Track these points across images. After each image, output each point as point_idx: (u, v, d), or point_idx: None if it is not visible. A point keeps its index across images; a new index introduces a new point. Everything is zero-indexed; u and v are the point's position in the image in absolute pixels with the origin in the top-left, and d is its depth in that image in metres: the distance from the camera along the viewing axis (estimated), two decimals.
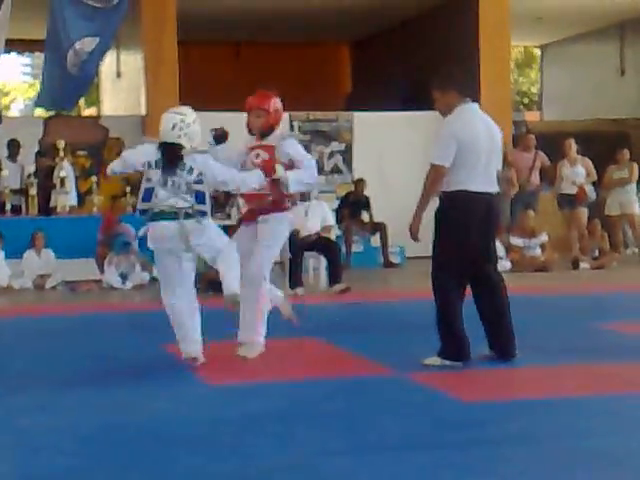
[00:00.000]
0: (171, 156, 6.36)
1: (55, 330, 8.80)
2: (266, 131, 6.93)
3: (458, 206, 6.36)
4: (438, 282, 6.46)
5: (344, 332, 7.82)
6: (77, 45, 12.74)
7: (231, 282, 6.36)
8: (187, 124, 6.42)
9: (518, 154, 14.52)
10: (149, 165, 6.40)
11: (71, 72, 12.81)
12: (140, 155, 6.50)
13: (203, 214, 6.38)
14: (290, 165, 6.79)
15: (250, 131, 7.02)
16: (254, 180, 6.60)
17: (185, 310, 6.52)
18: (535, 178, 14.44)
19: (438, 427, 4.98)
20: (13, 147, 13.81)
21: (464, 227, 6.34)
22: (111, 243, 12.37)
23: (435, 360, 6.42)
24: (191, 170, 6.37)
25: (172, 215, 6.33)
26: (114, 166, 6.65)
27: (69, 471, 4.31)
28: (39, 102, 14.18)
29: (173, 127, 6.38)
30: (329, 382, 5.89)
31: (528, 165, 14.27)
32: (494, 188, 6.48)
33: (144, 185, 6.42)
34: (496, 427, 4.95)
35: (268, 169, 6.68)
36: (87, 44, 12.76)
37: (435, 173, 6.35)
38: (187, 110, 6.54)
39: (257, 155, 6.90)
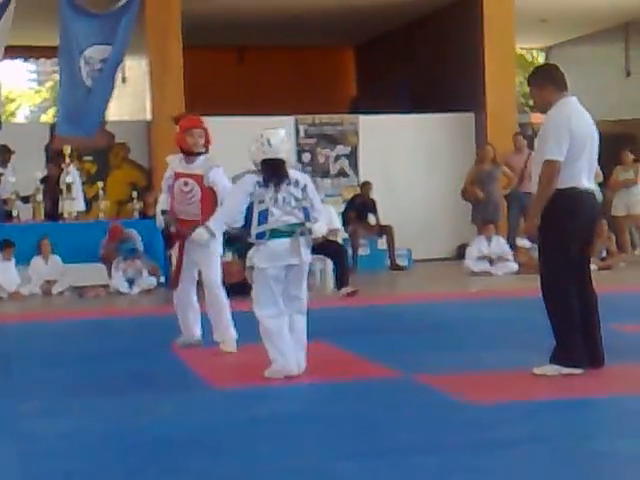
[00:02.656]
0: (276, 172, 6.36)
1: (63, 335, 8.81)
2: (203, 152, 7.32)
3: (571, 204, 6.09)
4: (560, 287, 6.15)
5: (351, 335, 7.82)
6: (87, 53, 12.72)
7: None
8: (284, 140, 6.57)
9: (510, 156, 14.48)
10: (258, 185, 6.33)
11: (87, 84, 12.75)
12: (241, 195, 6.38)
13: (310, 232, 6.42)
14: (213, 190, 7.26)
15: (186, 151, 7.32)
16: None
17: (285, 327, 6.38)
18: (528, 180, 14.36)
19: (446, 429, 4.97)
20: (5, 153, 13.74)
21: (577, 227, 6.11)
22: (118, 249, 12.39)
23: (550, 369, 6.13)
24: (297, 183, 6.41)
25: (287, 233, 6.31)
26: (217, 225, 6.61)
27: (76, 476, 4.31)
28: (59, 129, 13.75)
29: (281, 142, 6.47)
30: (336, 385, 5.89)
31: (520, 166, 14.22)
32: (595, 186, 6.41)
33: (257, 208, 6.31)
34: (504, 429, 4.94)
35: (205, 205, 7.19)
36: (98, 52, 12.73)
37: (551, 169, 6.03)
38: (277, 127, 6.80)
39: (185, 183, 7.31)
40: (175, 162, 7.47)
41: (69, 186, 12.95)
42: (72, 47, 12.76)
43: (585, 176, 6.13)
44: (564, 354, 6.09)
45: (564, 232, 6.08)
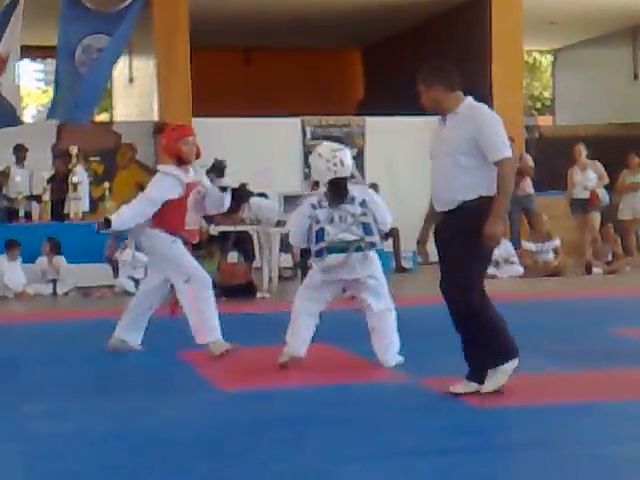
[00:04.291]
0: (340, 191, 6.62)
1: (68, 335, 8.82)
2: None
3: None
4: (481, 303, 5.77)
5: (356, 337, 7.78)
6: (85, 41, 12.77)
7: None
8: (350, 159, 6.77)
9: None
10: (313, 207, 6.63)
11: (81, 72, 12.81)
12: (301, 218, 6.70)
13: (372, 245, 6.67)
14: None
15: (184, 160, 7.32)
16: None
17: (308, 316, 6.74)
18: (524, 184, 14.33)
19: (450, 433, 4.97)
20: (20, 152, 13.82)
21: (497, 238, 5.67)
22: (119, 243, 12.37)
23: (498, 379, 5.76)
24: (353, 200, 6.63)
25: (341, 249, 6.57)
26: (296, 242, 6.82)
27: (81, 477, 4.31)
28: (51, 114, 14.05)
29: (342, 163, 6.63)
30: (341, 388, 5.89)
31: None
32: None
33: (314, 228, 6.59)
34: (508, 433, 4.95)
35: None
36: (96, 41, 12.78)
37: (510, 167, 5.62)
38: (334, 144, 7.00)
39: (199, 192, 7.35)
40: (179, 173, 7.35)
41: (76, 186, 12.98)
42: (70, 37, 12.82)
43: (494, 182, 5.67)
44: (503, 352, 5.76)
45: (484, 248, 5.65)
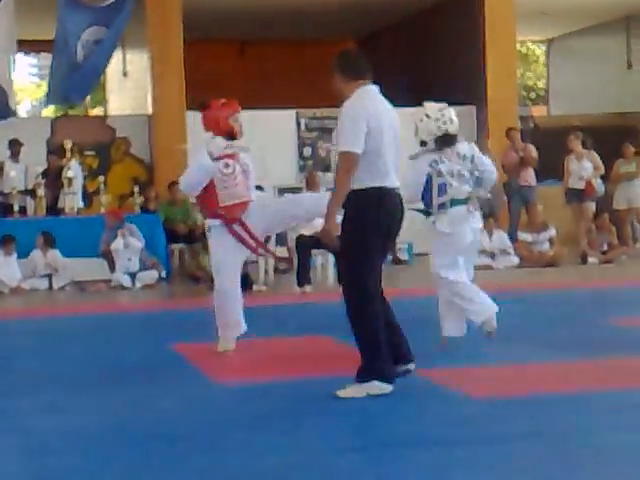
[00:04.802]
0: (456, 146, 6.88)
1: (64, 330, 8.83)
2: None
3: (374, 206, 5.51)
4: (367, 299, 5.56)
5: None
6: (83, 36, 12.80)
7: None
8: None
9: (506, 151, 14.38)
10: (435, 163, 6.79)
11: (80, 63, 12.87)
12: (419, 172, 6.82)
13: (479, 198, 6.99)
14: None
15: (233, 135, 7.15)
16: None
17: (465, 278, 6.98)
18: (526, 174, 14.27)
19: (447, 424, 4.98)
20: (14, 146, 13.81)
21: (379, 230, 5.53)
22: (114, 236, 12.35)
23: (358, 389, 5.48)
24: (465, 157, 6.87)
25: (463, 201, 6.85)
26: (410, 196, 6.71)
27: (78, 471, 4.32)
28: (49, 100, 14.23)
29: (451, 121, 6.87)
30: (338, 379, 5.87)
31: (516, 161, 14.16)
32: (397, 183, 5.68)
33: (436, 182, 6.74)
34: (505, 424, 4.95)
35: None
36: (92, 33, 12.82)
37: (347, 161, 5.41)
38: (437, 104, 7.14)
39: (226, 165, 7.08)
40: (217, 145, 7.15)
41: (70, 181, 12.97)
42: (68, 32, 12.85)
43: (391, 174, 5.57)
44: (375, 370, 5.48)
45: (365, 236, 5.48)
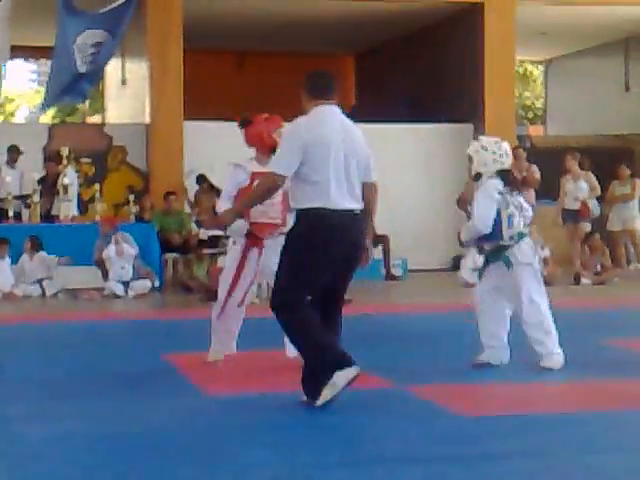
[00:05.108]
0: (511, 180, 6.93)
1: (56, 338, 8.79)
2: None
3: (318, 224, 5.49)
4: (291, 316, 5.57)
5: (345, 345, 7.75)
6: (79, 40, 12.83)
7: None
8: None
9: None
10: (500, 193, 6.77)
11: (80, 70, 12.91)
12: (491, 202, 6.75)
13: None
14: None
15: (268, 150, 6.78)
16: None
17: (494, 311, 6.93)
18: (528, 196, 14.21)
19: (437, 441, 4.96)
20: (12, 153, 13.80)
21: (318, 254, 5.48)
22: (107, 244, 12.32)
23: (331, 388, 5.49)
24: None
25: (526, 234, 6.93)
26: (487, 224, 6.75)
27: (63, 479, 4.29)
28: (46, 102, 14.26)
29: (507, 154, 6.93)
30: None
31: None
32: (356, 204, 5.57)
33: (505, 213, 6.73)
34: (496, 442, 4.93)
35: (284, 206, 6.66)
36: (90, 37, 12.85)
37: (268, 181, 5.58)
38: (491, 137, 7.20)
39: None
40: (247, 164, 6.96)
41: (66, 188, 12.95)
42: (66, 37, 12.90)
43: (336, 193, 5.48)
44: (331, 364, 5.50)
45: (301, 259, 5.49)
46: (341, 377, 5.47)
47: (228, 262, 6.96)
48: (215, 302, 7.04)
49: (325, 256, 5.51)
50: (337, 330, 5.76)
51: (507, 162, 6.92)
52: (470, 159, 6.98)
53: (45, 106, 14.49)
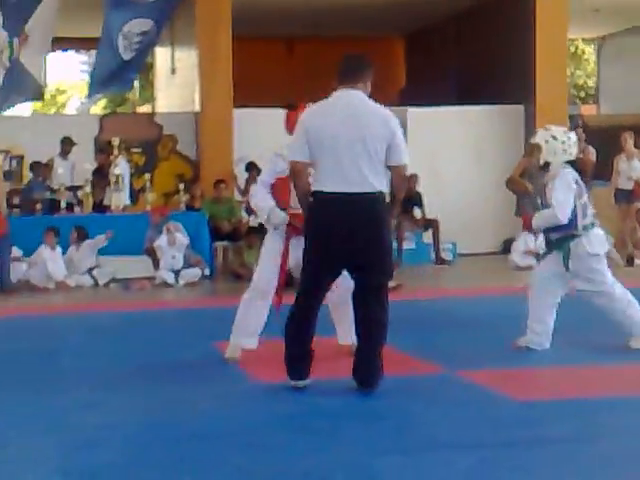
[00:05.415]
0: (579, 171, 6.98)
1: (107, 327, 8.87)
2: None
3: (313, 208, 5.64)
4: (297, 304, 5.75)
5: (395, 330, 7.71)
6: (125, 28, 12.90)
7: None
8: None
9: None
10: (576, 183, 6.80)
11: (124, 57, 12.98)
12: (570, 192, 6.76)
13: None
14: None
15: None
16: None
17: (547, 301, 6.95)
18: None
19: (490, 426, 4.94)
20: (66, 144, 13.94)
21: (318, 235, 5.62)
22: (158, 233, 12.39)
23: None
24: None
25: (595, 225, 6.92)
26: (567, 213, 6.76)
27: (118, 468, 4.34)
28: (92, 91, 14.39)
29: (575, 145, 6.94)
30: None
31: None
32: (358, 188, 5.54)
33: (579, 202, 6.76)
34: (549, 426, 4.89)
35: None
36: (136, 25, 12.92)
37: (292, 170, 5.75)
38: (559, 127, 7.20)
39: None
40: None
41: (117, 178, 13.05)
42: (112, 26, 12.98)
43: (330, 177, 5.54)
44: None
45: (307, 241, 5.70)
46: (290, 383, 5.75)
47: (269, 246, 6.72)
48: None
49: (321, 239, 5.61)
50: (372, 326, 5.65)
51: (575, 152, 6.89)
52: (538, 148, 6.91)
53: (90, 95, 14.60)
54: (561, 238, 6.78)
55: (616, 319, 6.90)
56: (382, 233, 5.61)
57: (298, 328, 5.71)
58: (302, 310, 5.70)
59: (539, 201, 6.99)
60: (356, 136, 5.53)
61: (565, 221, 6.70)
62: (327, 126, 5.57)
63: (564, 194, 6.71)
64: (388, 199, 5.81)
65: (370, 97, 5.80)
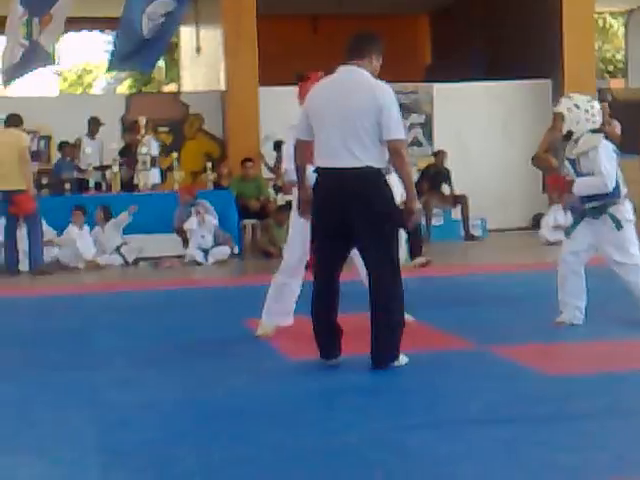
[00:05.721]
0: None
1: (137, 305, 8.92)
2: None
3: (315, 184, 5.79)
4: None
5: (425, 306, 7.74)
6: (149, 9, 12.87)
7: None
8: None
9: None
10: (615, 152, 6.87)
11: (145, 35, 12.94)
12: (613, 155, 6.83)
13: None
14: None
15: None
16: None
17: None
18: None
19: (521, 401, 4.93)
20: (93, 124, 13.98)
21: (316, 207, 5.76)
22: (187, 213, 12.41)
23: None
24: None
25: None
26: (610, 185, 6.78)
27: (152, 445, 4.36)
28: (111, 67, 14.37)
29: (599, 114, 6.87)
30: (410, 356, 5.84)
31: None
32: (345, 163, 5.55)
33: (618, 171, 6.82)
34: (581, 401, 4.88)
35: None
36: (160, 7, 12.88)
37: (295, 146, 5.92)
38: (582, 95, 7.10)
39: None
40: None
41: (145, 157, 13.07)
42: (135, 6, 12.93)
43: (324, 153, 5.62)
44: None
45: (312, 216, 5.82)
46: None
47: (295, 222, 6.62)
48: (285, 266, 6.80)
49: (318, 213, 5.72)
50: (379, 299, 5.62)
51: (599, 121, 6.82)
52: (561, 117, 6.84)
53: (109, 70, 14.51)
54: (601, 206, 6.74)
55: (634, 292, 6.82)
56: (372, 206, 5.54)
57: (319, 304, 5.74)
58: (319, 285, 5.74)
59: (572, 170, 6.87)
60: (344, 112, 5.56)
61: (611, 189, 6.69)
62: (321, 104, 5.68)
63: (610, 163, 6.71)
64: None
65: (377, 74, 5.80)
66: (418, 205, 5.80)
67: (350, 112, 5.55)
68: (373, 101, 5.55)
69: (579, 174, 6.77)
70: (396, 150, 5.55)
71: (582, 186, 6.77)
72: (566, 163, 6.89)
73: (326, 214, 5.67)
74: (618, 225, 6.69)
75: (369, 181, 5.56)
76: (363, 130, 5.54)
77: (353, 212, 5.55)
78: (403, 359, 5.68)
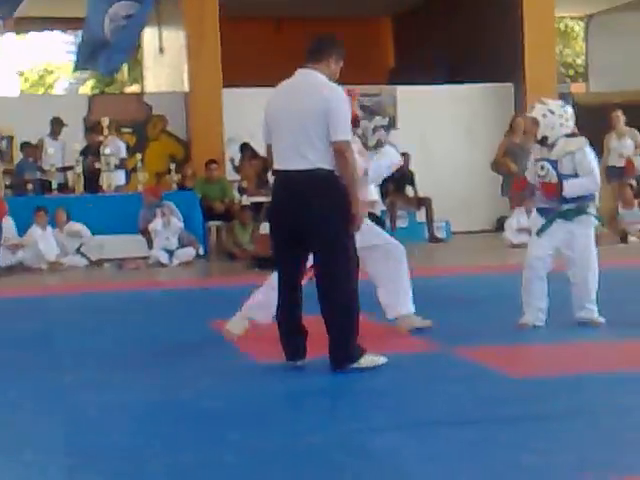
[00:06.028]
0: None
1: (102, 307, 8.88)
2: None
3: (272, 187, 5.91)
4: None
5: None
6: (111, 10, 12.80)
7: None
8: None
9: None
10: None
11: (108, 38, 12.87)
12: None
13: None
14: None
15: (356, 122, 6.90)
16: None
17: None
18: None
19: (485, 402, 4.96)
20: (55, 125, 13.89)
21: (270, 209, 5.95)
22: (152, 214, 12.38)
23: None
24: None
25: None
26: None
27: (119, 448, 4.35)
28: (76, 66, 14.32)
29: (571, 118, 6.93)
30: None
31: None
32: (296, 165, 5.58)
33: None
34: (543, 403, 4.91)
35: None
36: (122, 8, 12.81)
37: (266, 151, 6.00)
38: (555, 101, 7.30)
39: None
40: None
41: (108, 158, 13.01)
42: (97, 7, 12.85)
43: (280, 155, 5.68)
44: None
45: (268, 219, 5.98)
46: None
47: None
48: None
49: (271, 215, 5.86)
50: (324, 306, 5.65)
51: (572, 125, 6.91)
52: (536, 122, 6.90)
53: (75, 70, 14.46)
54: (577, 207, 6.84)
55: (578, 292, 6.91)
56: (319, 208, 5.53)
57: (282, 306, 5.77)
58: (282, 288, 5.77)
59: (553, 171, 6.86)
60: (297, 115, 5.60)
61: (596, 190, 6.91)
62: (277, 108, 5.74)
63: (595, 163, 6.89)
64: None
65: (336, 77, 5.85)
66: (365, 208, 5.88)
67: (302, 115, 5.58)
68: (322, 103, 5.56)
69: (563, 176, 6.82)
70: (340, 151, 5.53)
71: (575, 187, 6.82)
72: (546, 164, 6.87)
73: (280, 217, 5.73)
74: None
75: (319, 183, 5.57)
76: (314, 132, 5.55)
77: (298, 214, 5.59)
78: (369, 361, 5.68)
